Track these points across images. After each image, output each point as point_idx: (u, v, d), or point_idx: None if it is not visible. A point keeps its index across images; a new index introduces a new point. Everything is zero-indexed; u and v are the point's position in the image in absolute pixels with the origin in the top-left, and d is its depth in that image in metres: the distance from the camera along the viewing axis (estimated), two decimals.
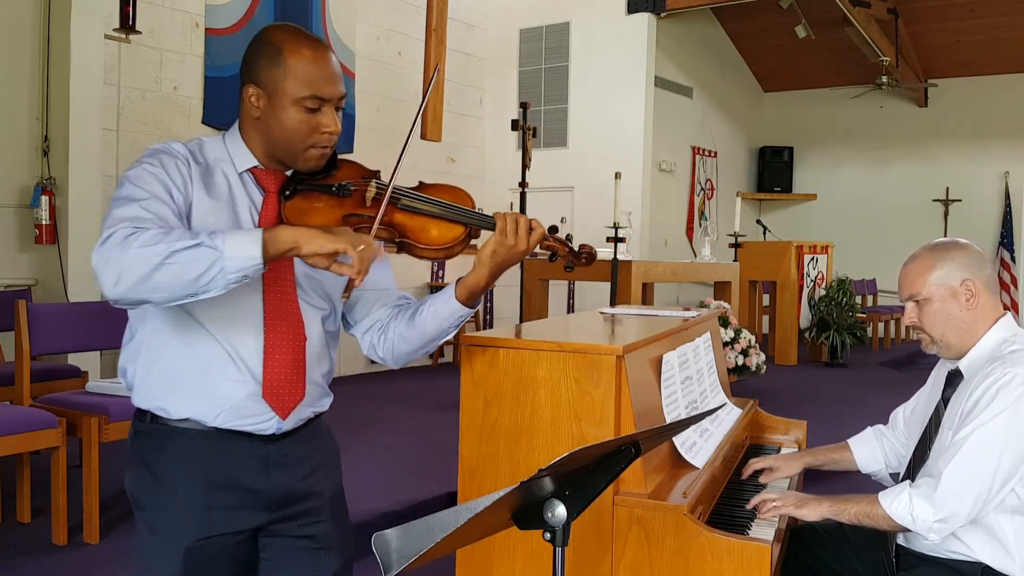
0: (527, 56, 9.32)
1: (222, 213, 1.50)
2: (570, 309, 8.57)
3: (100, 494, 3.07)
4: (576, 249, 1.71)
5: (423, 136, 6.81)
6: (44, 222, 4.99)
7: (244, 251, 1.28)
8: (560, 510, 1.22)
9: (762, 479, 2.38)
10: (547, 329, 2.40)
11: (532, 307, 6.29)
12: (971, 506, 1.84)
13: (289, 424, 1.55)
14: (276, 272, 1.51)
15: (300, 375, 1.54)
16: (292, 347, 1.53)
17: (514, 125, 6.84)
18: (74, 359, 4.51)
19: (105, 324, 3.68)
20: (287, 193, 1.54)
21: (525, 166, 6.57)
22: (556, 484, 1.22)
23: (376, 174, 1.60)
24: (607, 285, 5.58)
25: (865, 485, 2.30)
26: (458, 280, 1.64)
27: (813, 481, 2.81)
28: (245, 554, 1.56)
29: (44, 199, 4.98)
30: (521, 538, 1.89)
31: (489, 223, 1.59)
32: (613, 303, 5.27)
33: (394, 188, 1.54)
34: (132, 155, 6.01)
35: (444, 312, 1.64)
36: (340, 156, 1.60)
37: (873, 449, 2.38)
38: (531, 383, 1.92)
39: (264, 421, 1.52)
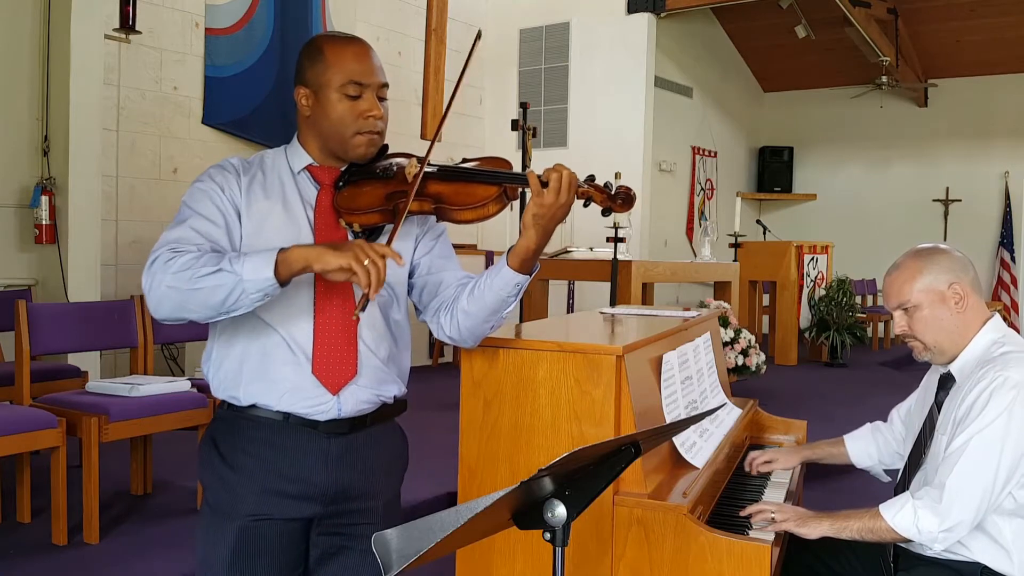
0: (527, 56, 9.31)
1: (275, 211, 1.60)
2: (570, 309, 8.56)
3: (100, 494, 3.06)
4: (612, 192, 1.65)
5: (423, 136, 6.82)
6: (44, 222, 4.99)
7: (259, 273, 1.40)
8: (560, 510, 1.22)
9: (762, 469, 2.42)
10: (547, 329, 2.40)
11: (532, 307, 6.28)
12: (975, 513, 1.84)
13: (348, 407, 1.59)
14: None
15: (351, 352, 1.58)
16: (341, 326, 1.58)
17: (514, 125, 6.84)
18: (74, 359, 4.51)
19: (105, 324, 3.67)
20: (340, 184, 1.64)
21: (525, 166, 6.57)
22: (556, 484, 1.22)
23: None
24: (607, 285, 5.58)
25: (866, 482, 2.31)
26: (509, 248, 1.66)
27: (816, 477, 2.80)
28: (295, 544, 1.60)
29: (44, 199, 4.98)
30: (521, 538, 1.89)
31: (522, 179, 1.60)
32: (613, 303, 5.27)
33: (431, 162, 1.61)
34: (132, 155, 6.03)
35: (499, 282, 1.65)
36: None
37: (868, 446, 2.40)
38: (531, 383, 1.92)
39: (322, 403, 1.56)
